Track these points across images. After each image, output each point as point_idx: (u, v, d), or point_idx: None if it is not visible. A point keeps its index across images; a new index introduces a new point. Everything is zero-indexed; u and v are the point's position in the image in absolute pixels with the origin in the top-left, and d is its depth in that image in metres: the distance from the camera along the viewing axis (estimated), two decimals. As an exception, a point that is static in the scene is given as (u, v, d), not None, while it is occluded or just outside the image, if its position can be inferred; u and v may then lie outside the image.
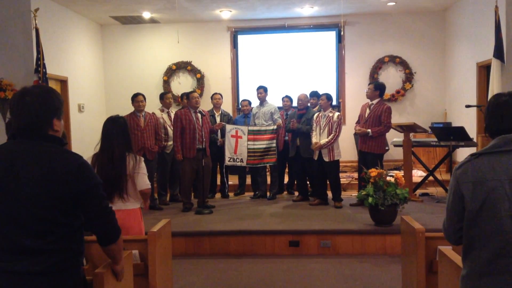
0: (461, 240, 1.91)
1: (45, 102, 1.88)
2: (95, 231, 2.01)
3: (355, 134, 6.46)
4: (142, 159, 3.44)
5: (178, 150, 6.29)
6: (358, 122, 6.53)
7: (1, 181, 1.80)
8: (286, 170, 7.58)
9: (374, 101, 6.37)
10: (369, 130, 6.20)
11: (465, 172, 1.83)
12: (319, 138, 6.29)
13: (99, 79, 9.84)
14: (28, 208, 1.79)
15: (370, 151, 6.26)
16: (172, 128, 6.73)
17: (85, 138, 8.44)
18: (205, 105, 7.99)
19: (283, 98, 7.37)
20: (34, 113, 1.85)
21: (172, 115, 6.94)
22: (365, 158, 6.26)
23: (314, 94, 6.97)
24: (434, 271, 2.93)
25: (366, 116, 6.36)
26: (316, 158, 6.35)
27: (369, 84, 6.59)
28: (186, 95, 6.82)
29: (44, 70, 6.84)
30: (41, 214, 1.80)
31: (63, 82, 8.25)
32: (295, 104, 7.38)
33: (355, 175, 7.26)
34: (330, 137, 6.19)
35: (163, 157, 6.73)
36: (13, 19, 7.09)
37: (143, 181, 3.40)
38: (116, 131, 3.33)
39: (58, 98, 1.94)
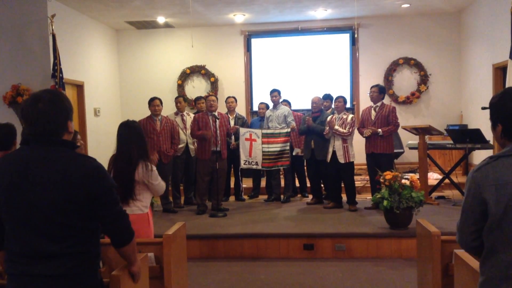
0: (474, 245, 1.85)
1: (58, 107, 1.90)
2: (109, 234, 2.03)
3: (366, 137, 6.41)
4: (154, 167, 3.45)
5: (202, 134, 6.29)
6: (362, 127, 6.50)
7: (18, 187, 1.82)
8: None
9: (378, 104, 6.41)
10: (380, 130, 6.20)
11: (486, 175, 1.78)
12: (333, 140, 6.28)
13: (115, 84, 9.94)
14: (45, 213, 1.81)
15: (384, 152, 6.24)
16: (184, 131, 6.86)
17: (101, 142, 8.53)
18: (219, 108, 8.01)
19: (281, 102, 7.39)
20: (51, 119, 1.87)
21: (186, 118, 7.03)
22: (378, 160, 6.23)
23: (327, 97, 6.97)
24: (450, 274, 2.91)
25: (373, 118, 6.37)
26: (329, 160, 6.33)
27: (372, 87, 6.55)
28: (204, 99, 6.92)
29: (60, 75, 6.95)
30: (58, 219, 1.82)
31: (79, 87, 8.36)
32: (301, 106, 7.50)
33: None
34: (344, 130, 6.17)
35: (175, 160, 6.77)
36: (31, 25, 7.24)
37: (162, 187, 3.51)
38: (133, 136, 3.35)
39: (68, 100, 1.98)
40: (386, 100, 7.96)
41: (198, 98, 7.51)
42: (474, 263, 2.38)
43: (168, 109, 7.92)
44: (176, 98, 7.27)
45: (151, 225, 3.51)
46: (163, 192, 3.60)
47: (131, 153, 3.30)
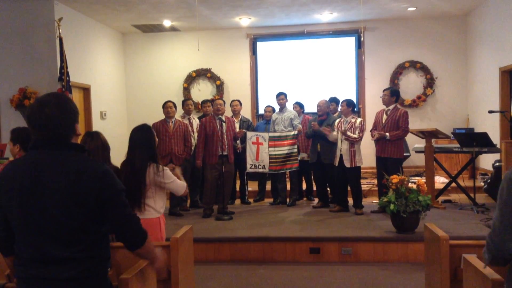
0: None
1: (65, 110, 1.89)
2: (120, 238, 2.02)
3: (375, 140, 6.40)
4: (167, 168, 3.43)
5: (199, 156, 6.36)
6: (374, 129, 6.48)
7: (29, 192, 1.82)
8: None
9: (390, 107, 6.35)
10: (387, 133, 6.17)
11: None
12: (340, 144, 6.26)
13: (121, 87, 9.98)
14: (55, 218, 1.81)
15: (390, 156, 6.20)
16: (192, 134, 6.84)
17: (107, 145, 8.54)
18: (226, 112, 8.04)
19: (293, 105, 7.39)
20: (59, 123, 1.86)
21: (193, 122, 7.03)
22: (385, 164, 6.20)
23: (333, 100, 6.95)
24: (458, 279, 2.88)
25: (383, 122, 6.33)
26: (337, 164, 6.32)
27: (384, 91, 6.51)
28: (210, 102, 6.91)
29: (67, 78, 6.99)
30: (69, 223, 1.82)
31: (86, 90, 8.40)
32: (307, 110, 7.51)
33: (376, 181, 7.20)
34: (354, 135, 6.16)
35: (184, 164, 6.76)
36: (38, 29, 7.29)
37: (179, 186, 3.46)
38: (140, 140, 3.34)
39: (73, 102, 1.97)
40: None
41: (204, 102, 7.52)
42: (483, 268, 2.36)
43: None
44: (185, 101, 7.27)
45: (162, 230, 3.48)
46: (184, 191, 3.52)
47: (135, 157, 3.30)
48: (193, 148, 6.80)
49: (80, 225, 1.84)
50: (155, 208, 3.40)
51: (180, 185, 3.48)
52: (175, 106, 6.60)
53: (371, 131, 6.53)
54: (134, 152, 3.33)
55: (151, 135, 3.40)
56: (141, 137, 3.36)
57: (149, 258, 2.19)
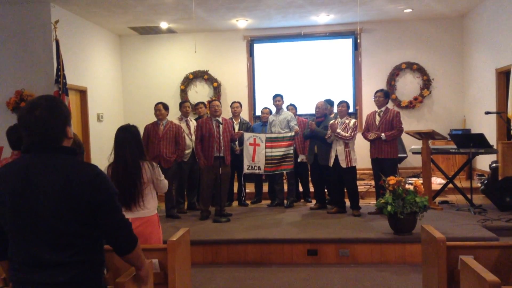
0: None
1: (56, 113, 1.87)
2: (110, 243, 1.99)
3: (370, 140, 6.41)
4: (157, 165, 3.51)
5: (199, 156, 6.35)
6: (367, 131, 6.49)
7: (20, 196, 1.80)
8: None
9: (383, 108, 6.41)
10: (383, 134, 6.20)
11: None
12: (335, 145, 6.27)
13: (118, 89, 9.97)
14: (48, 222, 1.79)
15: (387, 157, 6.23)
16: (190, 136, 6.82)
17: (104, 147, 8.54)
18: (223, 113, 8.02)
19: (287, 107, 7.39)
20: (49, 126, 1.84)
21: (191, 124, 7.01)
22: (382, 165, 6.22)
23: (328, 102, 6.96)
24: (456, 280, 2.89)
25: (377, 123, 6.36)
26: (331, 165, 6.32)
27: (377, 92, 6.52)
28: (203, 104, 6.89)
29: (64, 80, 6.97)
30: (61, 227, 1.80)
31: (83, 92, 8.38)
32: (303, 111, 7.46)
33: (373, 183, 7.22)
34: (346, 134, 6.18)
35: (181, 166, 6.76)
36: (34, 31, 7.28)
37: (165, 184, 3.57)
38: (128, 139, 3.35)
39: (65, 105, 1.95)
40: (389, 105, 7.99)
41: (197, 103, 7.53)
42: (480, 269, 2.37)
43: (170, 114, 7.91)
44: (183, 103, 7.26)
45: (160, 228, 3.56)
46: (166, 190, 3.63)
47: (126, 156, 3.31)
48: (187, 151, 6.78)
49: (72, 229, 1.83)
50: (152, 205, 3.46)
51: (166, 183, 3.60)
52: (165, 108, 6.52)
53: (363, 133, 6.54)
54: (124, 151, 3.33)
55: (138, 133, 3.45)
56: (130, 136, 3.38)
57: (137, 264, 2.16)
